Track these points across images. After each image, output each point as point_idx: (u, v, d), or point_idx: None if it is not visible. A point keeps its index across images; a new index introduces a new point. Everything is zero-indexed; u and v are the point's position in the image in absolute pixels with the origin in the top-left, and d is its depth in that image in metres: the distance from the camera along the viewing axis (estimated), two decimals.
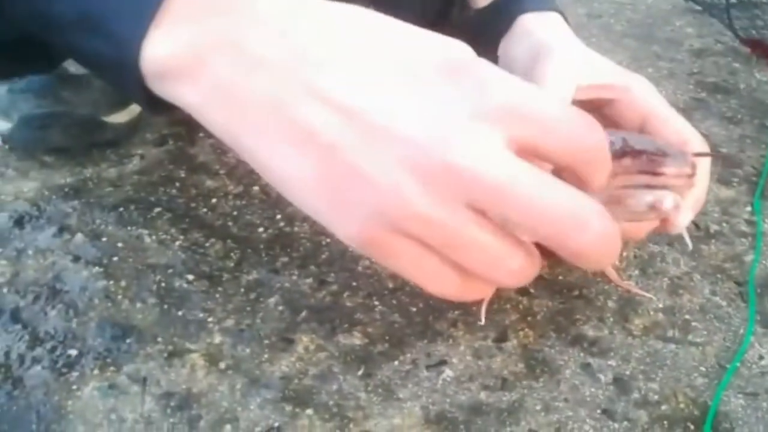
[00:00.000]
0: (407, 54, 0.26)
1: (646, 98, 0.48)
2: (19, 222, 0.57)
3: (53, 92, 0.63)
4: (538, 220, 0.25)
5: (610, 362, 0.47)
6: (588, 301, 0.51)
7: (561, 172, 0.27)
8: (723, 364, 0.47)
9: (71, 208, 0.59)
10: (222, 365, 0.45)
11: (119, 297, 0.50)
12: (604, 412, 0.43)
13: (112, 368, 0.45)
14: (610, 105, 0.49)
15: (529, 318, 0.50)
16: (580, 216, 0.25)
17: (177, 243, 0.55)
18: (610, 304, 0.51)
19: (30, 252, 0.54)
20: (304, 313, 0.49)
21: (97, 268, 0.52)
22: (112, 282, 0.51)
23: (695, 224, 0.60)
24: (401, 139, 0.25)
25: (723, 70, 0.90)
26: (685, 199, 0.41)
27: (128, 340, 0.47)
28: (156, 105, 0.29)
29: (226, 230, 0.57)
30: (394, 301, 0.50)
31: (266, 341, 0.47)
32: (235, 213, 0.59)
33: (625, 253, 0.56)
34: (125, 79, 0.29)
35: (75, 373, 0.44)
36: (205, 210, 0.59)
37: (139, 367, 0.45)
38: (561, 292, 0.52)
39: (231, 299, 0.50)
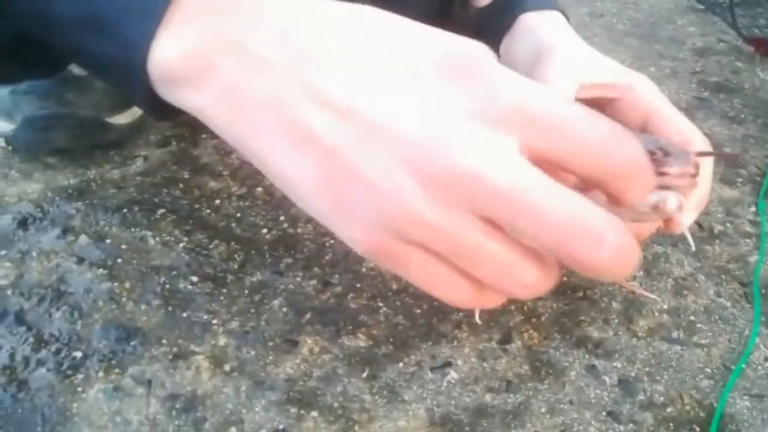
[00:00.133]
0: (411, 53, 0.26)
1: (648, 97, 0.48)
2: (22, 224, 0.57)
3: (56, 94, 0.63)
4: (547, 232, 0.23)
5: (615, 364, 0.47)
6: (592, 302, 0.51)
7: (591, 186, 0.26)
8: (728, 366, 0.47)
9: (75, 209, 0.59)
10: (227, 367, 0.45)
11: (124, 299, 0.50)
12: (610, 414, 0.43)
13: (117, 370, 0.45)
14: (613, 104, 0.49)
15: (533, 319, 0.50)
16: (595, 229, 0.23)
17: (181, 244, 0.55)
18: (615, 305, 0.51)
19: (34, 254, 0.54)
20: (308, 315, 0.49)
21: (101, 269, 0.52)
22: (116, 284, 0.51)
23: (699, 225, 0.60)
24: (401, 140, 0.24)
25: (726, 69, 0.90)
26: (689, 199, 0.41)
27: (133, 342, 0.47)
28: (159, 108, 0.29)
29: (230, 231, 0.57)
30: (399, 303, 0.50)
31: (271, 343, 0.47)
32: (238, 214, 0.59)
33: None
34: (131, 81, 0.28)
35: (80, 376, 0.44)
36: (208, 211, 0.59)
37: (144, 369, 0.45)
38: (565, 293, 0.52)
39: (235, 301, 0.50)
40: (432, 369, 0.46)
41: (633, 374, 0.46)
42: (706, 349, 0.48)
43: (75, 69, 0.66)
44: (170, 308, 0.49)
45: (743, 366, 0.47)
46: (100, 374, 0.44)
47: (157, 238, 0.56)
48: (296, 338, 0.47)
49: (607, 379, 0.46)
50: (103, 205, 0.59)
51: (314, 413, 0.43)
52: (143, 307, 0.49)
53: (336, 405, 0.43)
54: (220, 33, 0.27)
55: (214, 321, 0.48)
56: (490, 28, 0.55)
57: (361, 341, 0.47)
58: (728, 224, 0.61)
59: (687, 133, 0.46)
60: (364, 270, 0.53)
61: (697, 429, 0.43)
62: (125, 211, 0.58)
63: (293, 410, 0.43)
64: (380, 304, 0.50)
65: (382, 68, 0.25)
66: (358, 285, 0.52)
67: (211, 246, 0.55)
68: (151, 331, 0.48)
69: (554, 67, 0.47)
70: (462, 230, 0.24)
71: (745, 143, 0.73)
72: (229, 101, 0.27)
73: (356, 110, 0.25)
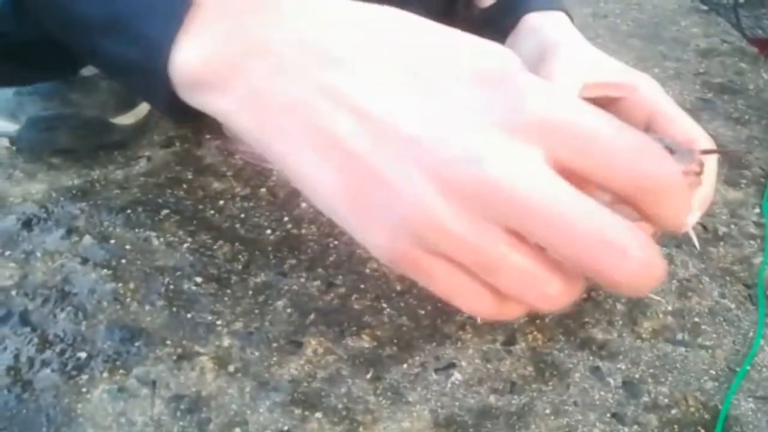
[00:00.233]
0: (436, 58, 0.25)
1: (653, 97, 0.48)
2: (27, 224, 0.57)
3: (60, 94, 0.63)
4: (571, 244, 0.23)
5: (619, 365, 0.47)
6: (597, 303, 0.51)
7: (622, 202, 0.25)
8: (733, 368, 0.47)
9: (79, 210, 0.59)
10: (231, 368, 0.45)
11: (128, 299, 0.50)
12: (614, 415, 0.43)
13: (121, 371, 0.45)
14: (617, 104, 0.49)
15: (537, 321, 0.50)
16: (619, 243, 0.23)
17: (185, 245, 0.55)
18: (619, 306, 0.51)
19: (38, 254, 0.54)
20: (312, 316, 0.49)
21: (105, 270, 0.52)
22: (120, 284, 0.51)
23: (703, 226, 0.60)
24: (425, 148, 0.23)
25: (730, 70, 0.90)
26: (693, 198, 0.41)
27: (137, 343, 0.47)
28: (179, 111, 0.29)
29: (234, 232, 0.57)
30: (402, 304, 0.50)
31: (275, 344, 0.47)
32: (242, 215, 0.59)
33: None
34: (152, 84, 0.28)
35: (84, 376, 0.44)
36: (212, 212, 0.59)
37: (149, 370, 0.45)
38: None
39: (239, 302, 0.50)
40: (436, 370, 0.46)
41: (637, 376, 0.46)
42: (710, 351, 0.48)
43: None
44: (174, 309, 0.49)
45: (748, 368, 0.47)
46: (105, 375, 0.44)
47: (161, 239, 0.56)
48: (300, 339, 0.47)
49: (611, 380, 0.46)
50: (107, 205, 0.59)
51: (318, 414, 0.43)
52: (147, 307, 0.49)
53: (340, 406, 0.43)
54: (241, 37, 0.26)
55: (219, 322, 0.49)
56: (494, 28, 0.55)
57: (365, 342, 0.47)
58: (732, 226, 0.61)
59: (691, 132, 0.46)
60: (368, 271, 0.53)
61: (702, 431, 0.43)
62: (129, 211, 0.59)
63: (297, 411, 0.43)
64: (384, 305, 0.50)
65: (406, 73, 0.25)
66: (362, 286, 0.52)
67: (215, 247, 0.55)
68: (156, 331, 0.48)
69: (558, 65, 0.47)
70: (485, 240, 0.24)
71: (750, 144, 0.73)
72: (253, 105, 0.26)
73: (379, 116, 0.24)
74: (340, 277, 0.53)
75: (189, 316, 0.49)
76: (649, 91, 0.48)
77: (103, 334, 0.47)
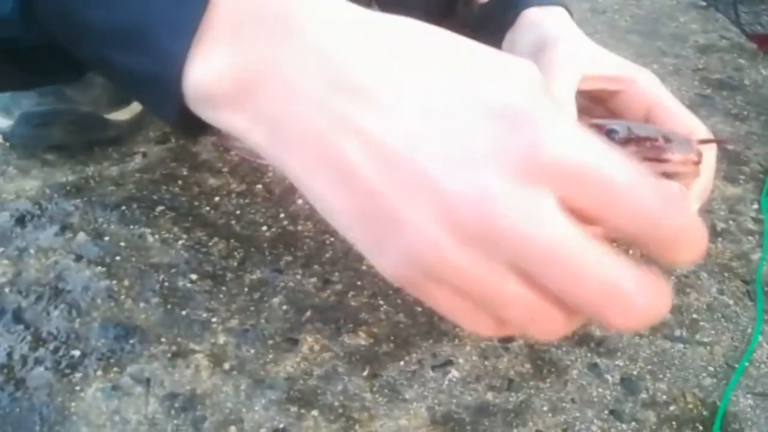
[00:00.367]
0: (460, 92, 0.24)
1: (651, 90, 0.47)
2: (20, 221, 0.56)
3: (55, 90, 0.62)
4: (578, 292, 0.23)
5: (617, 362, 0.46)
6: None
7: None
8: (731, 364, 0.47)
9: (73, 206, 0.58)
10: (226, 366, 0.45)
11: (122, 297, 0.50)
12: (612, 412, 0.43)
13: (115, 369, 0.44)
14: (616, 97, 0.48)
15: None
16: (625, 295, 0.23)
17: (180, 242, 0.55)
18: None
19: (32, 251, 0.53)
20: (308, 313, 0.49)
21: (99, 267, 0.52)
22: (115, 281, 0.51)
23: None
24: (438, 190, 0.23)
25: (728, 66, 0.90)
26: (691, 189, 0.40)
27: (131, 341, 0.46)
28: (188, 124, 0.28)
29: (230, 229, 0.56)
30: (399, 301, 0.50)
31: (270, 341, 0.47)
32: (238, 211, 0.58)
33: (631, 251, 0.56)
34: (161, 97, 0.27)
35: (78, 374, 0.44)
36: (208, 208, 0.59)
37: (143, 368, 0.44)
38: None
39: (235, 299, 0.50)
40: (433, 367, 0.45)
41: (635, 372, 0.46)
42: (708, 348, 0.48)
43: None
44: (169, 306, 0.49)
45: (746, 364, 0.47)
46: (99, 373, 0.44)
47: (156, 236, 0.55)
48: (296, 336, 0.47)
49: (609, 377, 0.45)
50: (102, 202, 0.59)
51: (314, 412, 0.42)
52: (142, 305, 0.49)
53: (336, 404, 0.43)
54: (255, 55, 0.26)
55: (214, 319, 0.48)
56: (493, 24, 0.55)
57: (362, 339, 0.47)
58: (731, 222, 0.61)
59: (690, 125, 0.46)
60: (364, 267, 0.53)
61: (700, 428, 0.42)
62: (124, 208, 0.58)
63: (293, 409, 0.42)
64: (381, 302, 0.50)
65: (424, 104, 0.24)
66: (359, 283, 0.51)
67: (210, 243, 0.55)
68: (150, 329, 0.47)
69: (558, 57, 0.47)
70: (490, 277, 0.24)
71: (748, 140, 0.73)
72: (267, 125, 0.26)
73: (394, 150, 0.24)
74: (337, 273, 0.52)
75: (184, 313, 0.48)
76: (647, 85, 0.48)
77: (97, 331, 0.47)
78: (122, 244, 0.54)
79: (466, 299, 0.25)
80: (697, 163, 0.38)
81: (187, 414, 0.42)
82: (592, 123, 0.38)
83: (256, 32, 0.26)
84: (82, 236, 0.55)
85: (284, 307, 0.49)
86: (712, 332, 0.49)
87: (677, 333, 0.49)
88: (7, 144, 0.64)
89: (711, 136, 0.46)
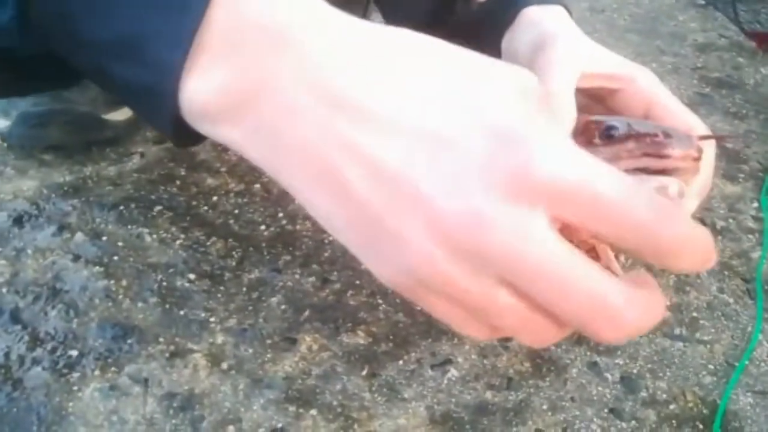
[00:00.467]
0: (455, 111, 0.25)
1: (650, 88, 0.47)
2: (18, 221, 0.56)
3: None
4: (569, 309, 0.24)
5: (617, 361, 0.46)
6: None
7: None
8: (731, 362, 0.47)
9: (71, 206, 0.58)
10: (224, 365, 0.45)
11: (120, 297, 0.49)
12: (612, 411, 0.43)
13: (113, 369, 0.44)
14: (615, 95, 0.48)
15: None
16: (615, 311, 0.23)
17: (178, 242, 0.55)
18: None
19: (29, 251, 0.53)
20: (307, 313, 0.49)
21: (97, 267, 0.52)
22: (112, 281, 0.51)
23: (701, 220, 0.59)
24: (430, 207, 0.23)
25: (727, 64, 0.90)
26: (690, 185, 0.40)
27: (129, 341, 0.46)
28: (183, 135, 0.28)
29: (228, 228, 0.56)
30: (398, 300, 0.50)
31: (269, 341, 0.46)
32: (236, 211, 0.58)
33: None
34: (158, 108, 0.27)
35: (76, 374, 0.44)
36: (206, 208, 0.58)
37: (141, 368, 0.44)
38: None
39: (233, 298, 0.50)
40: (432, 366, 0.45)
41: (635, 371, 0.46)
42: (708, 346, 0.48)
43: None
44: (167, 306, 0.49)
45: (746, 362, 0.46)
46: (96, 373, 0.44)
47: (154, 236, 0.55)
48: (295, 336, 0.47)
49: (609, 376, 0.45)
50: (99, 202, 0.58)
51: (313, 411, 0.42)
52: (140, 304, 0.49)
53: (335, 403, 0.43)
54: (252, 71, 0.25)
55: (212, 319, 0.48)
56: (493, 23, 0.55)
57: (361, 339, 0.47)
58: (731, 220, 0.60)
59: (689, 123, 0.46)
60: (362, 267, 0.52)
61: (701, 426, 0.42)
62: (122, 208, 0.58)
63: (292, 409, 0.42)
64: (380, 301, 0.50)
65: (420, 121, 0.24)
66: (358, 282, 0.51)
67: (208, 243, 0.55)
68: (148, 329, 0.47)
69: (557, 55, 0.46)
70: (485, 291, 0.24)
71: (747, 139, 0.72)
72: (263, 140, 0.26)
73: (392, 169, 0.24)
74: (335, 273, 0.52)
75: (182, 313, 0.48)
76: (647, 83, 0.48)
77: (95, 331, 0.47)
78: (120, 244, 0.54)
79: (460, 308, 0.26)
80: (697, 159, 0.38)
81: (185, 414, 0.42)
82: (591, 120, 0.38)
83: (252, 47, 0.26)
84: (79, 236, 0.55)
85: (282, 307, 0.49)
86: (712, 331, 0.49)
87: (677, 331, 0.49)
88: (5, 144, 0.64)
89: (711, 134, 0.46)
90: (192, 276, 0.51)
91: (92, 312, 0.48)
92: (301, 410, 0.42)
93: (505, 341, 0.47)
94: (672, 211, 0.23)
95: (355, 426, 0.41)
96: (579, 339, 0.48)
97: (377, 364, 0.45)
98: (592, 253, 0.37)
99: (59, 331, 0.47)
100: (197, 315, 0.48)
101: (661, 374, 0.45)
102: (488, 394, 0.44)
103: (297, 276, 0.52)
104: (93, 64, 0.29)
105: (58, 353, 0.45)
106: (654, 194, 0.24)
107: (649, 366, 0.46)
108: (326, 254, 0.54)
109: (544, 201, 0.23)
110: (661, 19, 1.03)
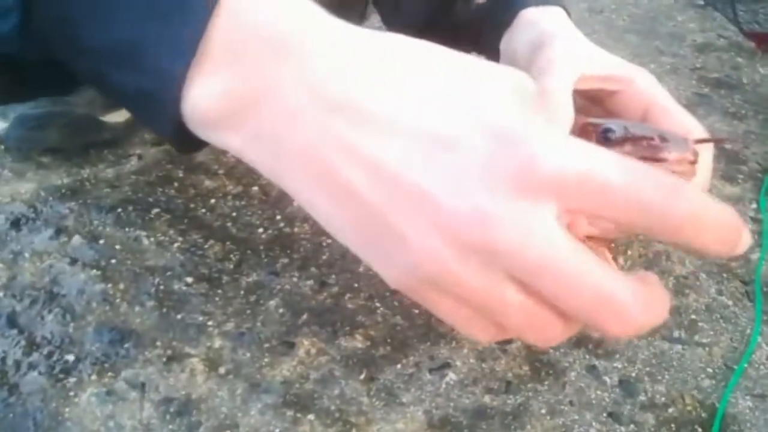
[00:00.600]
0: (455, 113, 0.25)
1: (649, 90, 0.48)
2: (15, 224, 0.56)
3: None
4: (575, 304, 0.24)
5: (615, 364, 0.46)
6: None
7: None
8: (730, 365, 0.46)
9: (68, 209, 0.58)
10: (222, 370, 0.45)
11: (117, 300, 0.49)
12: (610, 415, 0.43)
13: (110, 374, 0.44)
14: (613, 97, 0.48)
15: None
16: (620, 306, 0.23)
17: (175, 245, 0.54)
18: None
19: (26, 255, 0.53)
20: (304, 316, 0.49)
21: (94, 270, 0.52)
22: (110, 285, 0.50)
23: None
24: (438, 207, 0.24)
25: (726, 65, 0.90)
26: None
27: (126, 345, 0.46)
28: (184, 141, 0.28)
29: (226, 231, 0.56)
30: (396, 303, 0.50)
31: (266, 345, 0.46)
32: (234, 213, 0.58)
33: (629, 252, 0.56)
34: (159, 114, 0.27)
35: (72, 379, 0.44)
36: (203, 210, 0.58)
37: (138, 373, 0.44)
38: None
39: (231, 302, 0.49)
40: (430, 370, 0.45)
41: (634, 374, 0.45)
42: (707, 349, 0.48)
43: None
44: (164, 310, 0.49)
45: (745, 365, 0.46)
46: (93, 378, 0.44)
47: (152, 238, 0.55)
48: (293, 340, 0.47)
49: (607, 379, 0.45)
50: (97, 204, 0.58)
51: (311, 416, 0.42)
52: (137, 308, 0.49)
53: (333, 408, 0.42)
54: (254, 78, 0.26)
55: (209, 322, 0.48)
56: (491, 24, 0.55)
57: (359, 342, 0.47)
58: None
59: (687, 125, 0.46)
60: (361, 269, 0.52)
61: (699, 430, 0.42)
62: (119, 210, 0.58)
63: (289, 413, 0.42)
64: (378, 305, 0.50)
65: (421, 123, 0.25)
66: (356, 285, 0.51)
67: (206, 246, 0.54)
68: (145, 333, 0.47)
69: (555, 55, 0.46)
70: (492, 288, 0.24)
71: (746, 140, 0.72)
72: (265, 146, 0.26)
73: (394, 170, 0.24)
74: (333, 276, 0.52)
75: (179, 316, 0.48)
76: (645, 85, 0.48)
77: (92, 335, 0.47)
78: (117, 247, 0.54)
79: (467, 306, 0.26)
80: (693, 162, 0.38)
81: (182, 419, 0.41)
82: (589, 122, 0.38)
83: (253, 54, 0.26)
84: (77, 239, 0.55)
85: (280, 310, 0.49)
86: (711, 333, 0.49)
87: (676, 334, 0.49)
88: (2, 147, 0.64)
89: (708, 136, 0.46)
90: (189, 279, 0.51)
91: (89, 316, 0.48)
92: (298, 415, 0.42)
93: (503, 344, 0.47)
94: (680, 187, 0.23)
95: (353, 431, 0.41)
96: (578, 342, 0.47)
97: (375, 368, 0.45)
98: None
99: (56, 336, 0.46)
100: (195, 319, 0.48)
101: (659, 377, 0.45)
102: (487, 398, 0.43)
103: (295, 279, 0.52)
104: (94, 70, 0.29)
105: (55, 358, 0.45)
106: (660, 173, 0.24)
107: (648, 369, 0.46)
108: (324, 257, 0.54)
109: (552, 195, 0.23)
110: (660, 19, 1.03)
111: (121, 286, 0.51)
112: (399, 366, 0.45)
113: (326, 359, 0.45)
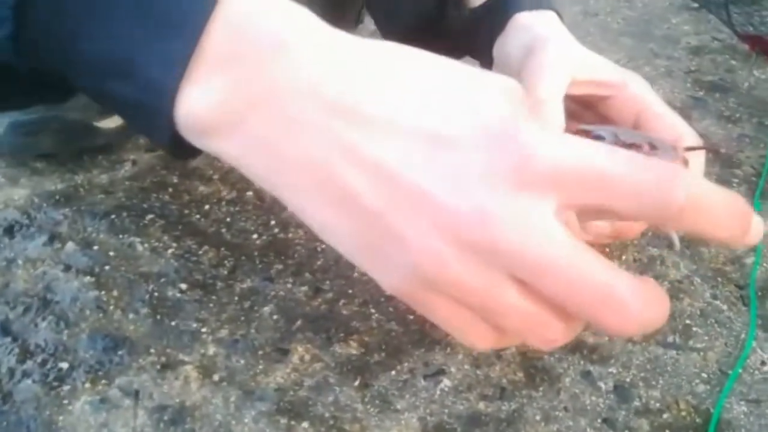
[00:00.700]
0: (447, 110, 0.25)
1: (641, 95, 0.48)
2: (8, 231, 0.56)
3: None
4: (575, 300, 0.24)
5: (610, 369, 0.46)
6: None
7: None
8: (725, 370, 0.46)
9: (62, 215, 0.58)
10: (216, 377, 0.44)
11: (111, 307, 0.49)
12: (605, 421, 0.43)
13: (103, 381, 0.44)
14: (606, 102, 0.49)
15: None
16: (620, 302, 0.24)
17: (170, 251, 0.54)
18: None
19: (20, 262, 0.53)
20: (299, 322, 0.48)
21: (88, 277, 0.52)
22: (103, 292, 0.50)
23: None
24: (438, 207, 0.24)
25: (721, 67, 0.90)
26: None
27: (120, 352, 0.46)
28: (181, 149, 0.28)
29: (220, 237, 0.56)
30: (391, 309, 0.50)
31: (261, 352, 0.46)
32: (228, 219, 0.58)
33: (624, 257, 0.56)
34: (154, 125, 0.27)
35: (66, 387, 0.43)
36: (198, 216, 0.58)
37: (132, 380, 0.44)
38: None
39: (225, 308, 0.49)
40: (425, 377, 0.45)
41: (628, 380, 0.46)
42: (702, 354, 0.48)
43: None
44: (158, 317, 0.49)
45: (740, 370, 0.46)
46: (87, 385, 0.44)
47: (146, 245, 0.55)
48: (287, 346, 0.47)
49: (602, 385, 0.45)
50: (91, 210, 0.58)
51: (305, 424, 0.42)
52: (131, 315, 0.49)
53: (327, 415, 0.42)
54: (251, 85, 0.26)
55: (203, 329, 0.48)
56: (484, 28, 0.55)
57: (353, 349, 0.47)
58: None
59: (679, 129, 0.46)
60: (355, 275, 0.52)
61: None
62: (113, 216, 0.58)
63: (284, 421, 0.42)
64: (372, 311, 0.50)
65: (419, 126, 0.25)
66: (350, 291, 0.51)
67: (200, 252, 0.54)
68: (139, 340, 0.47)
69: (547, 59, 0.47)
70: (494, 289, 0.25)
71: (741, 143, 0.72)
72: (262, 152, 0.26)
73: (392, 173, 0.24)
74: (328, 282, 0.52)
75: (173, 323, 0.48)
76: (637, 89, 0.48)
77: (86, 343, 0.46)
78: (111, 253, 0.54)
79: (465, 309, 0.26)
80: None
81: (176, 427, 0.41)
82: (579, 128, 0.38)
83: (249, 61, 0.26)
84: (70, 246, 0.54)
85: (275, 317, 0.49)
86: (706, 338, 0.49)
87: (670, 339, 0.49)
88: None
89: (700, 142, 0.46)
90: (183, 286, 0.51)
91: (83, 323, 0.48)
92: (293, 422, 0.42)
93: (498, 350, 0.47)
94: (678, 171, 0.24)
95: None
96: (572, 348, 0.47)
97: (370, 374, 0.45)
98: None
99: (49, 343, 0.46)
100: (188, 326, 0.48)
101: (654, 383, 0.45)
102: (481, 405, 0.43)
103: (289, 285, 0.52)
104: (88, 81, 0.29)
105: (49, 366, 0.45)
106: (657, 161, 0.24)
107: (642, 375, 0.46)
108: (319, 263, 0.53)
109: (551, 189, 0.24)
110: (655, 22, 1.03)
111: (115, 293, 0.50)
112: (393, 372, 0.45)
113: (320, 366, 0.45)
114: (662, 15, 1.05)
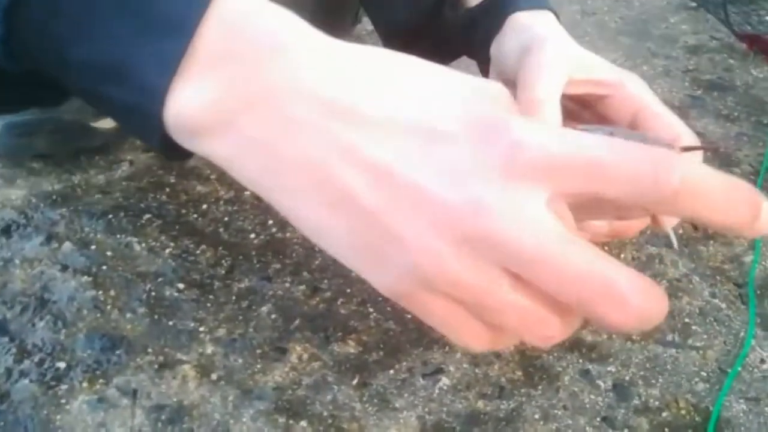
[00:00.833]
0: (438, 109, 0.25)
1: (638, 95, 0.48)
2: (6, 231, 0.56)
3: None
4: (571, 292, 0.24)
5: (609, 368, 0.46)
6: None
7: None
8: (724, 369, 0.46)
9: (59, 215, 0.57)
10: (214, 376, 0.44)
11: (108, 307, 0.49)
12: (604, 419, 0.43)
13: (101, 381, 0.44)
14: (603, 101, 0.49)
15: None
16: (618, 294, 0.23)
17: (167, 251, 0.54)
18: None
19: (17, 261, 0.53)
20: (297, 322, 0.48)
21: (85, 277, 0.51)
22: (101, 292, 0.50)
23: (693, 225, 0.59)
24: (435, 203, 0.24)
25: (719, 66, 0.90)
26: None
27: (118, 352, 0.46)
28: (174, 151, 0.28)
29: (217, 237, 0.56)
30: (389, 308, 0.49)
31: (259, 351, 0.46)
32: (226, 219, 0.58)
33: (622, 255, 0.56)
34: (145, 127, 0.27)
35: (63, 387, 0.43)
36: (195, 216, 0.58)
37: (129, 380, 0.44)
38: None
39: (222, 308, 0.49)
40: (423, 375, 0.45)
41: (627, 378, 0.45)
42: (701, 352, 0.48)
43: None
44: (156, 316, 0.48)
45: (739, 369, 0.46)
46: (84, 385, 0.43)
47: (143, 244, 0.55)
48: (285, 345, 0.47)
49: (601, 383, 0.45)
50: (88, 210, 0.58)
51: (303, 423, 0.42)
52: (128, 315, 0.48)
53: (326, 414, 0.42)
54: (245, 85, 0.25)
55: (201, 329, 0.48)
56: (481, 28, 0.55)
57: (351, 348, 0.47)
58: None
59: (676, 129, 0.46)
60: (354, 275, 0.51)
61: None
62: (110, 216, 0.57)
63: (282, 420, 0.42)
64: (370, 310, 0.49)
65: (414, 124, 0.25)
66: (348, 290, 0.51)
67: (198, 252, 0.54)
68: (137, 339, 0.47)
69: (544, 59, 0.47)
70: (490, 285, 0.24)
71: (739, 141, 0.72)
72: (256, 153, 0.26)
73: (389, 171, 0.24)
74: (326, 281, 0.52)
75: (171, 323, 0.48)
76: (635, 89, 0.48)
77: (83, 342, 0.46)
78: (109, 253, 0.54)
79: (461, 309, 0.26)
80: None
81: (174, 426, 0.41)
82: (577, 128, 0.38)
83: (244, 61, 0.26)
84: (68, 246, 0.54)
85: (273, 316, 0.49)
86: (705, 337, 0.49)
87: (669, 338, 0.49)
88: None
89: (697, 142, 0.46)
90: (181, 285, 0.51)
91: (80, 323, 0.48)
92: (291, 421, 0.42)
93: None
94: (672, 156, 0.24)
95: None
96: (571, 346, 0.47)
97: (368, 373, 0.45)
98: None
99: (47, 343, 0.46)
100: (186, 325, 0.48)
101: (653, 381, 0.45)
102: (480, 404, 0.43)
103: (287, 285, 0.51)
104: (79, 84, 0.28)
105: (46, 365, 0.45)
106: (649, 147, 0.24)
107: (642, 373, 0.46)
108: (317, 262, 0.53)
109: (543, 178, 0.24)
110: (653, 21, 1.03)
111: (112, 292, 0.50)
112: (392, 371, 0.45)
113: (319, 365, 0.45)
114: (660, 14, 1.06)
